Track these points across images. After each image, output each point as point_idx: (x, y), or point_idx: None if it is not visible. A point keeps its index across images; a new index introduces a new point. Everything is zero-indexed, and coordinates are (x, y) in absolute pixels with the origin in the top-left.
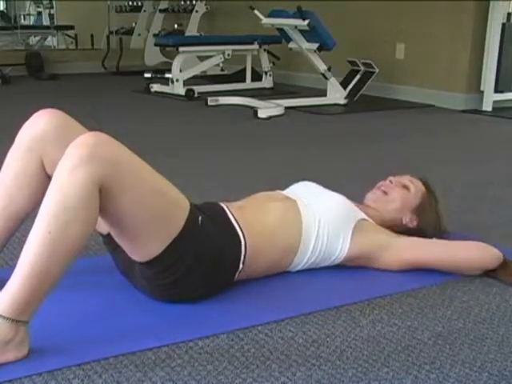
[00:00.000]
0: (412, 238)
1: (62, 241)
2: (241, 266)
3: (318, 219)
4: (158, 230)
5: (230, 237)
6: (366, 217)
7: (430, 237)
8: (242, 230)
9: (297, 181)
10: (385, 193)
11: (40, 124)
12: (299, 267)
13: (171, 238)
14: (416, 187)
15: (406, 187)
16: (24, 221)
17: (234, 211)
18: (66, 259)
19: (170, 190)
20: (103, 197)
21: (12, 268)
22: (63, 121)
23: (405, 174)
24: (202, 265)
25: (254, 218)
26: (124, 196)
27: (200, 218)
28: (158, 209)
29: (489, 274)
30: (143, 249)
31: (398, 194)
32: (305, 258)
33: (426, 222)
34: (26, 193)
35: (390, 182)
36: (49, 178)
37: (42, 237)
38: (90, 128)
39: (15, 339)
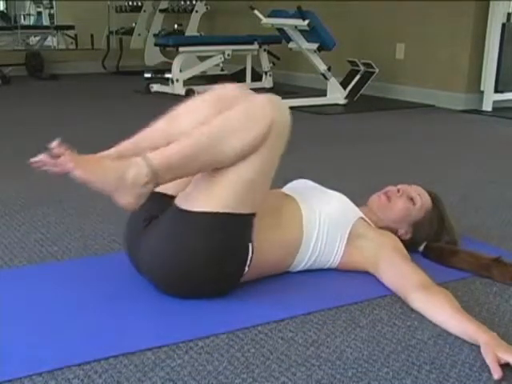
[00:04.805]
0: (395, 262)
1: (216, 146)
2: (246, 268)
3: (318, 217)
4: (236, 195)
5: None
6: (363, 216)
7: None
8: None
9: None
10: (389, 199)
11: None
12: (300, 267)
13: (229, 209)
14: (422, 202)
15: (412, 200)
16: None
17: None
18: (208, 161)
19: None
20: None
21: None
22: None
23: (416, 184)
24: (215, 259)
25: (258, 218)
26: (255, 156)
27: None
28: (255, 184)
29: (483, 274)
30: (206, 197)
31: (402, 204)
32: (306, 257)
33: (419, 237)
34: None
35: (398, 190)
36: None
37: (210, 132)
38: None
39: (141, 190)
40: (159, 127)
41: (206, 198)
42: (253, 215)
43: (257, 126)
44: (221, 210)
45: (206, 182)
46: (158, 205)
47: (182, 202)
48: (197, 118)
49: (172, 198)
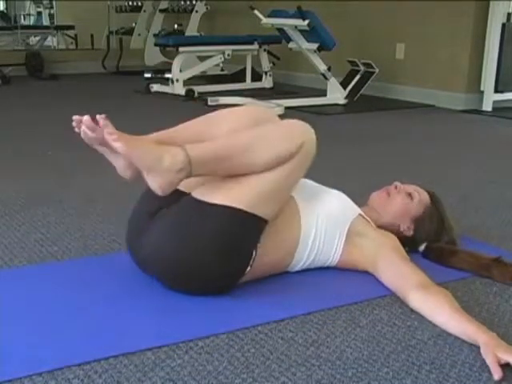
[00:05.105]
0: (395, 262)
1: (249, 153)
2: (248, 268)
3: (317, 216)
4: (258, 198)
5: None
6: (362, 213)
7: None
8: None
9: None
10: (388, 195)
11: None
12: (299, 266)
13: (249, 209)
14: (421, 197)
15: (410, 195)
16: None
17: None
18: (237, 165)
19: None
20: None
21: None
22: None
23: (413, 184)
24: (219, 255)
25: None
26: (283, 168)
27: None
28: (276, 193)
29: (483, 274)
30: (229, 194)
31: (401, 200)
32: (304, 256)
33: (421, 234)
34: None
35: (395, 187)
36: None
37: (245, 137)
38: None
39: (174, 176)
40: (197, 125)
41: (229, 195)
42: (266, 222)
43: (288, 143)
44: (243, 208)
45: (230, 183)
46: (165, 198)
47: (199, 195)
48: (234, 126)
49: (181, 193)
